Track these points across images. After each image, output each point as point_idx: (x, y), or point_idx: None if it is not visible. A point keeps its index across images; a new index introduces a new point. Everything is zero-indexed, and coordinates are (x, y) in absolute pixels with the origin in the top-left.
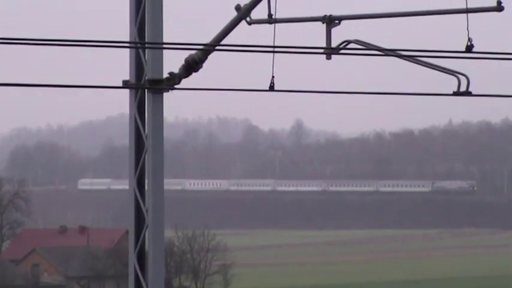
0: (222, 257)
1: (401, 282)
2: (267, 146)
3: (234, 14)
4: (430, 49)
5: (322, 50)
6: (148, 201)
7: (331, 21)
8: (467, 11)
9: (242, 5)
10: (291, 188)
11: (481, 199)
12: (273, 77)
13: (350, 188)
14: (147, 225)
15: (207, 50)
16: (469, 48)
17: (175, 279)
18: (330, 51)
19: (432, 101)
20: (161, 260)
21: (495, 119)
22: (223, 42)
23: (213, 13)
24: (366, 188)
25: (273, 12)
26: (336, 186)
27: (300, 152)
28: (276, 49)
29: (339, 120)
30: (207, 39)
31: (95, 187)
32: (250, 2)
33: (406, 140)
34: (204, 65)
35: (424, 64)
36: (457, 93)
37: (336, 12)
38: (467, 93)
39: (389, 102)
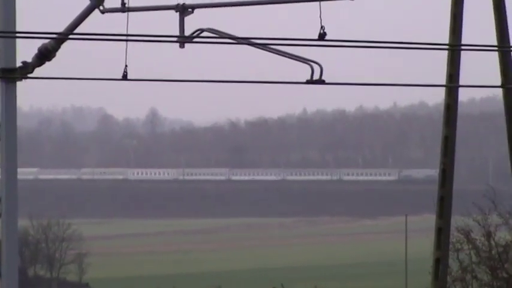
0: (78, 246)
1: (255, 270)
2: (122, 135)
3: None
4: (283, 37)
5: (175, 39)
6: (1, 190)
7: (184, 10)
8: None
9: None
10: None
11: (339, 188)
12: (126, 66)
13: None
14: (0, 215)
15: (60, 39)
16: (322, 36)
17: (30, 268)
18: (183, 40)
19: (287, 90)
20: (15, 250)
21: (349, 107)
22: (76, 31)
23: (68, 1)
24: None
25: (126, 0)
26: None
27: (154, 141)
28: (129, 38)
29: (194, 109)
30: (62, 28)
31: None
32: None
33: (261, 128)
34: (58, 54)
35: (276, 52)
36: (310, 82)
37: (190, 1)
38: (321, 81)
39: (244, 90)
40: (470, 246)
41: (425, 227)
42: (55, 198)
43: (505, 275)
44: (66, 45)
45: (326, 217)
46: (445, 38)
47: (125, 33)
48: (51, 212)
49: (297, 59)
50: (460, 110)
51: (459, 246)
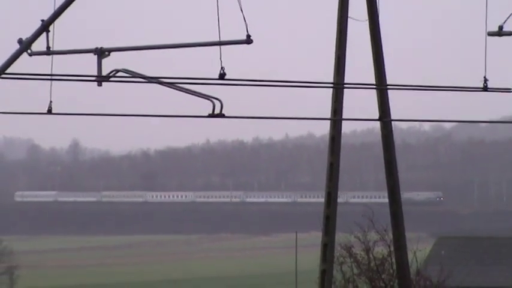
0: (8, 260)
1: (162, 282)
2: (48, 162)
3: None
4: (188, 76)
5: (94, 78)
6: None
7: (102, 53)
8: (220, 43)
9: (24, 39)
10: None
11: (239, 208)
12: (50, 101)
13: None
14: None
15: None
16: (222, 76)
17: None
18: (100, 79)
19: (192, 122)
20: None
21: (247, 138)
22: (8, 71)
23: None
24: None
25: (51, 44)
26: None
27: (76, 167)
28: (53, 77)
29: (111, 140)
30: None
31: None
32: (31, 36)
33: (169, 156)
34: None
35: (182, 90)
36: (212, 115)
37: (107, 45)
38: (221, 115)
39: (155, 123)
40: (351, 260)
41: (313, 243)
42: None
43: (382, 284)
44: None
45: (227, 234)
46: (330, 77)
47: (50, 73)
48: None
49: (200, 95)
50: (343, 140)
51: (342, 260)
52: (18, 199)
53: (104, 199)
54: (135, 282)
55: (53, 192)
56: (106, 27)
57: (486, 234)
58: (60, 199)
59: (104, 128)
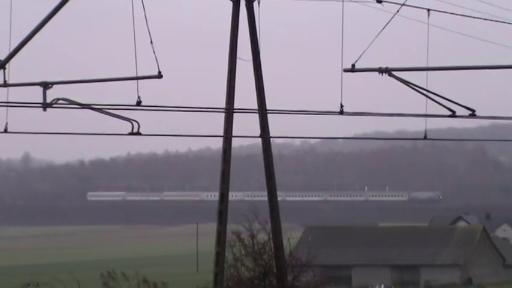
0: None
1: (96, 261)
2: (5, 169)
3: None
4: (113, 103)
5: (40, 105)
6: None
7: (46, 85)
8: (137, 78)
9: None
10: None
11: (154, 205)
12: (6, 123)
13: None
14: None
15: None
16: (139, 103)
17: None
18: (45, 105)
19: (116, 139)
20: None
21: (159, 150)
22: None
23: None
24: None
25: (7, 78)
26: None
27: (27, 174)
28: (9, 104)
29: (55, 152)
30: None
31: None
32: None
33: (100, 165)
34: None
35: (108, 114)
36: (131, 133)
37: (51, 78)
38: (139, 133)
39: (89, 139)
40: (240, 244)
41: (211, 231)
42: None
43: (263, 263)
44: None
45: (144, 225)
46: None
47: (6, 101)
48: None
49: (122, 118)
50: (233, 152)
51: (233, 244)
52: None
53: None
54: (73, 261)
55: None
56: (52, 63)
57: (344, 224)
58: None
59: (49, 143)
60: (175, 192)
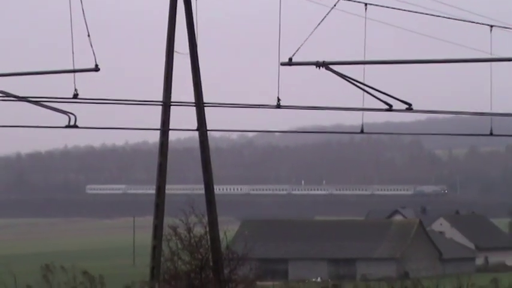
0: None
1: (39, 254)
2: None
3: None
4: (50, 96)
5: None
6: None
7: None
8: (74, 70)
9: None
10: None
11: (92, 198)
12: None
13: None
14: None
15: None
16: (75, 96)
17: None
18: None
19: (53, 132)
20: None
21: (96, 143)
22: None
23: None
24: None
25: None
26: None
27: None
28: None
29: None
30: None
31: None
32: None
33: (36, 158)
34: None
35: (45, 106)
36: (68, 126)
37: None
38: (75, 126)
39: (25, 132)
40: (176, 237)
41: (147, 224)
42: None
43: (199, 256)
44: None
45: (80, 218)
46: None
47: None
48: None
49: (60, 111)
50: (170, 145)
51: (169, 237)
52: None
53: None
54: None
55: None
56: None
57: (280, 218)
58: None
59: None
60: (109, 185)
